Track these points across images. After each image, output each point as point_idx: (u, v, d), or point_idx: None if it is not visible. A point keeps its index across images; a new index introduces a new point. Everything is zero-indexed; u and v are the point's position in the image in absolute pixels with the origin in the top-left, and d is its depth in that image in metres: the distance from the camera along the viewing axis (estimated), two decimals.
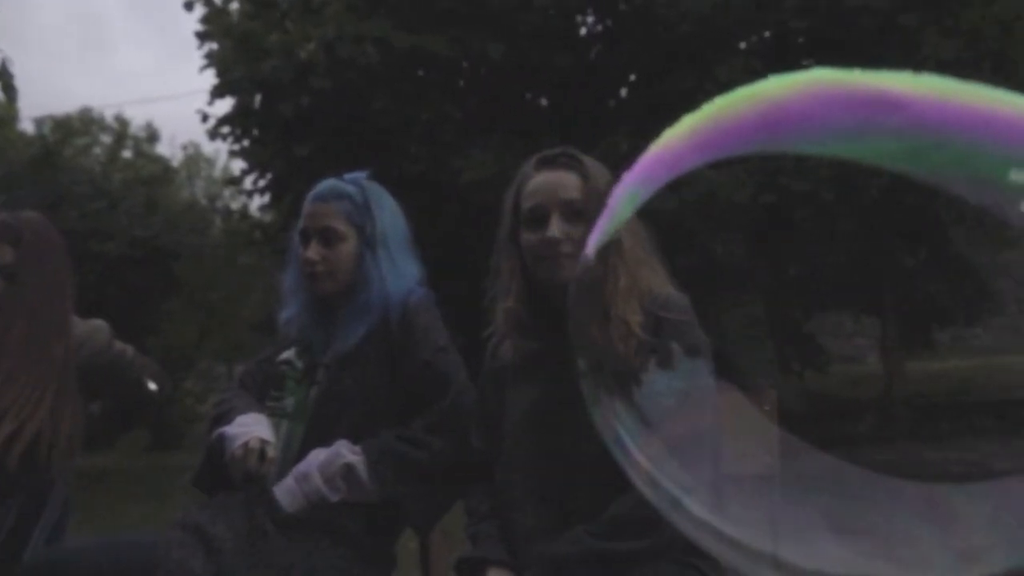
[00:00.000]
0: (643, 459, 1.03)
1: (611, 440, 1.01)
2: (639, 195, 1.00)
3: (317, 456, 1.54)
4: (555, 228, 1.37)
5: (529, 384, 1.42)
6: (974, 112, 0.72)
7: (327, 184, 1.70)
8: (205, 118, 8.31)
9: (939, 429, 8.76)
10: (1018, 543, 0.79)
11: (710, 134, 0.89)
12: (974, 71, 5.68)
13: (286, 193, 7.77)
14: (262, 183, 8.71)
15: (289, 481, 1.53)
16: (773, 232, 6.53)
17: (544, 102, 8.12)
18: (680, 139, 0.92)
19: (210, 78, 9.01)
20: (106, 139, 17.01)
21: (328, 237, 1.65)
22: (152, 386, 1.79)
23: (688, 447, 1.29)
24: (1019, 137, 0.72)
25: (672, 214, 5.89)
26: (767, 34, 6.80)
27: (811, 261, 7.93)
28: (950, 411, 9.33)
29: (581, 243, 1.39)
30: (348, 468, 1.51)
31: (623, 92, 8.00)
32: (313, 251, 1.64)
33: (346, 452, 1.52)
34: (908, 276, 9.02)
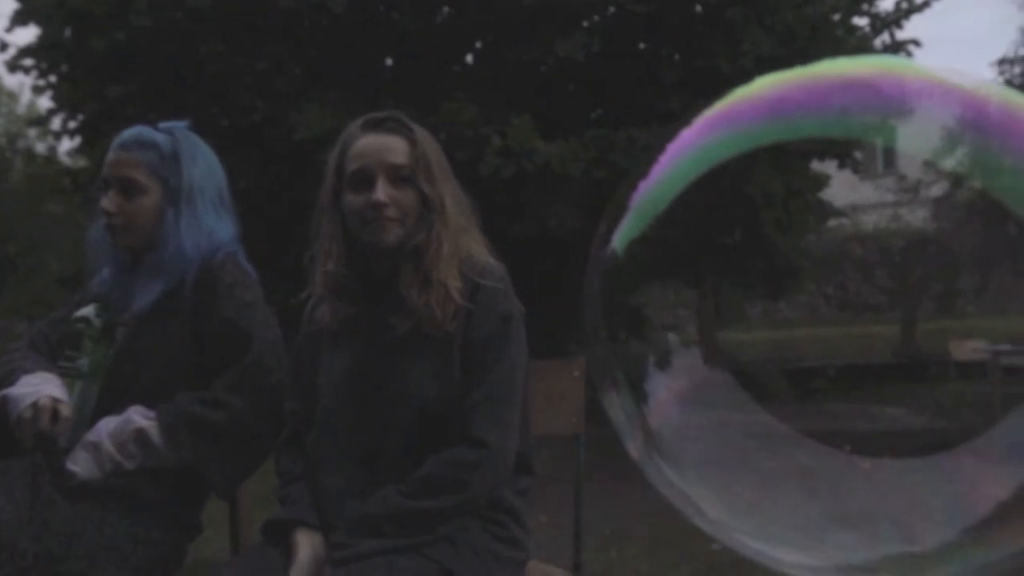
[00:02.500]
0: None
1: None
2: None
3: (108, 424, 1.46)
4: (381, 191, 1.37)
5: (345, 348, 1.42)
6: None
7: (134, 131, 1.59)
8: (4, 47, 7.45)
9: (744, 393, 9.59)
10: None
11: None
12: (785, 67, 6.16)
13: (99, 138, 7.13)
14: (72, 125, 7.93)
15: (80, 451, 1.44)
16: (604, 207, 6.81)
17: (388, 62, 7.95)
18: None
19: (10, 2, 8.07)
20: None
21: (128, 188, 1.55)
22: None
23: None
24: None
25: (509, 183, 6.00)
26: (610, 10, 7.01)
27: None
28: (754, 378, 10.24)
29: (406, 208, 1.40)
30: (140, 433, 1.44)
31: (469, 58, 7.98)
32: (110, 202, 1.54)
33: (137, 417, 1.45)
34: (724, 254, 9.73)
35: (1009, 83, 11.11)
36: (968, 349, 7.91)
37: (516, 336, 1.37)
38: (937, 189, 13.30)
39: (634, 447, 1.32)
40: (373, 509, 1.28)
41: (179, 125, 1.65)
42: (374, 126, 1.43)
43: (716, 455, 1.48)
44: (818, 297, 17.24)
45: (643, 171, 1.32)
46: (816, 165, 9.46)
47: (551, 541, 1.71)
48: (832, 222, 12.14)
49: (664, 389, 1.40)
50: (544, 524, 3.22)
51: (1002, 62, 13.54)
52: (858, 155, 9.46)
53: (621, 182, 1.38)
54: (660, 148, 1.30)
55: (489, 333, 1.34)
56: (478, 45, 7.78)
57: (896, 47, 7.61)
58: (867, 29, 7.70)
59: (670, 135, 1.30)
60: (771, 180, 7.30)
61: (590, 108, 7.65)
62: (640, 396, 1.37)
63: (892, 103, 1.27)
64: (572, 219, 6.53)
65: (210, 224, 1.58)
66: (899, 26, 7.71)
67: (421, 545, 1.27)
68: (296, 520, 1.33)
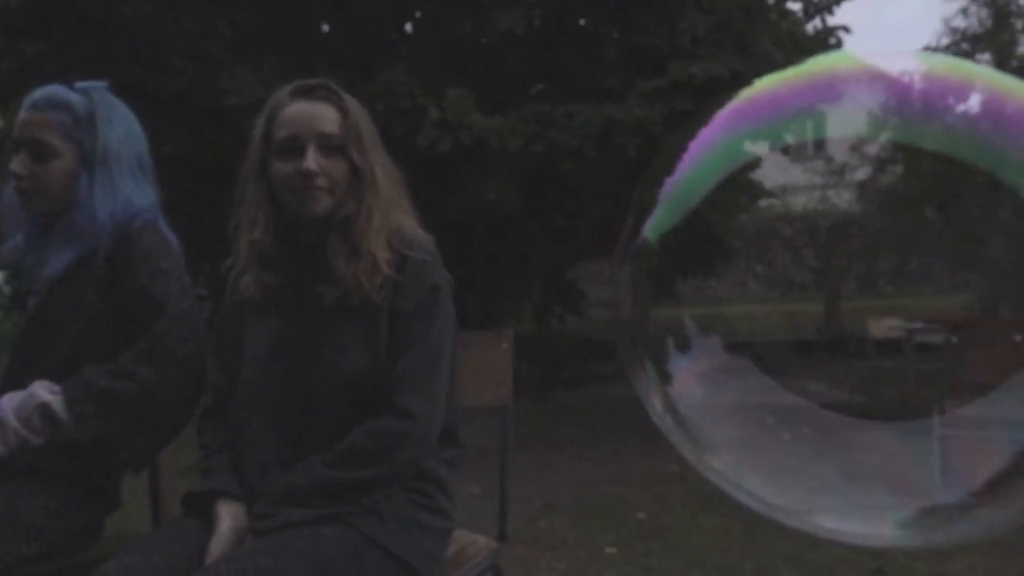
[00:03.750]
0: None
1: None
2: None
3: (11, 399, 1.40)
4: (311, 160, 1.35)
5: (270, 318, 1.40)
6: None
7: (47, 90, 1.52)
8: None
9: None
10: None
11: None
12: (719, 48, 6.25)
13: (14, 97, 6.77)
14: None
15: None
16: (542, 183, 6.82)
17: (324, 28, 7.75)
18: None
19: None
20: None
21: (39, 151, 1.48)
22: None
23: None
24: None
25: (446, 157, 5.95)
26: None
27: (575, 212, 8.42)
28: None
29: (336, 178, 1.39)
30: (44, 408, 1.39)
31: (407, 28, 7.85)
32: (20, 165, 1.47)
33: (41, 392, 1.40)
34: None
35: None
36: (885, 327, 8.26)
37: (444, 308, 1.37)
38: (861, 173, 13.78)
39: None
40: (297, 479, 1.27)
41: (97, 85, 1.59)
42: (304, 93, 1.40)
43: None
44: (748, 275, 17.73)
45: (669, 167, 1.43)
46: (748, 146, 9.66)
47: (482, 512, 1.74)
48: (763, 202, 12.47)
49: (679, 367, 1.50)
50: (476, 495, 3.26)
51: (926, 49, 14.03)
52: (788, 138, 9.69)
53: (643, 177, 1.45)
54: (683, 145, 1.41)
55: (417, 304, 1.34)
56: (417, 15, 7.65)
57: (827, 33, 7.81)
58: (800, 14, 7.87)
59: (691, 132, 1.40)
60: None
61: (530, 83, 7.63)
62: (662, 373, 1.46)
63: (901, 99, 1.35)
64: (511, 194, 6.53)
65: (127, 190, 1.52)
66: (831, 12, 7.91)
67: (346, 515, 1.27)
68: (218, 491, 1.32)
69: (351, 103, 1.42)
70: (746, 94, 1.46)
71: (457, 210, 6.38)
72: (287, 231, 1.40)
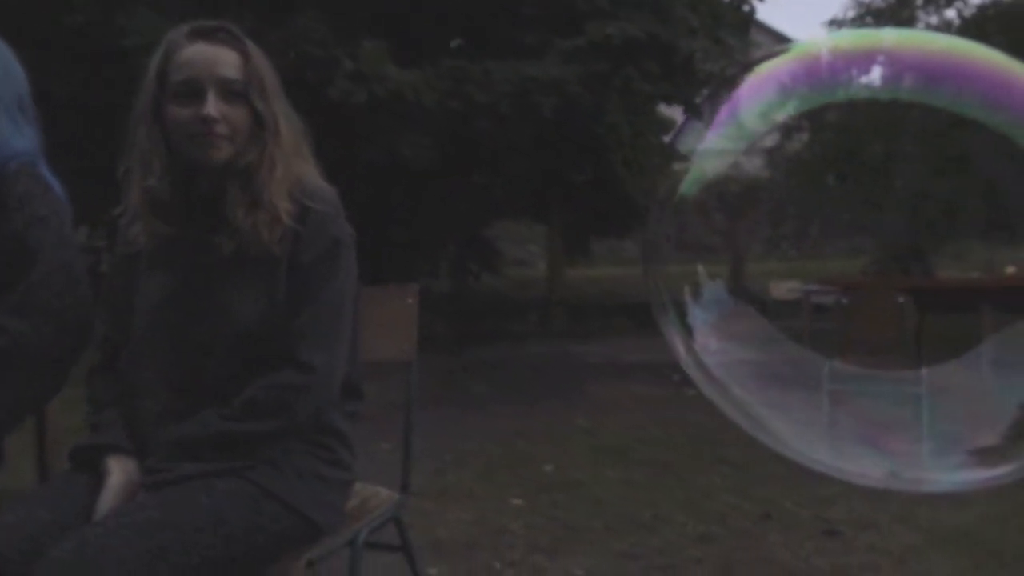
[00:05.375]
0: None
1: None
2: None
3: None
4: (212, 106, 1.29)
5: (164, 269, 1.36)
6: None
7: None
8: None
9: (587, 327, 10.05)
10: None
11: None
12: (637, 10, 6.29)
13: None
14: None
15: None
16: (459, 140, 6.77)
17: None
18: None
19: None
20: None
21: None
22: None
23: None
24: None
25: (360, 109, 5.82)
26: None
27: (493, 171, 8.41)
28: (597, 312, 10.74)
29: (237, 125, 1.34)
30: None
31: None
32: None
33: None
34: (574, 191, 10.00)
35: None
36: (785, 289, 8.65)
37: (345, 261, 1.36)
38: (770, 140, 14.21)
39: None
40: (192, 432, 1.25)
41: None
42: (203, 35, 1.34)
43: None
44: (661, 237, 18.15)
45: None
46: (665, 110, 9.83)
47: (391, 467, 1.75)
48: (677, 166, 12.73)
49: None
50: (386, 451, 3.27)
51: (832, 23, 14.47)
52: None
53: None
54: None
55: (317, 257, 1.32)
56: None
57: (738, 3, 7.96)
58: None
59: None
60: (619, 121, 7.52)
61: (448, 38, 7.51)
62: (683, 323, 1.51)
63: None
64: (426, 150, 6.46)
65: (4, 132, 1.42)
66: None
67: (242, 468, 1.25)
68: (107, 445, 1.28)
69: (252, 48, 1.37)
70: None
71: (371, 164, 6.27)
72: (183, 179, 1.34)
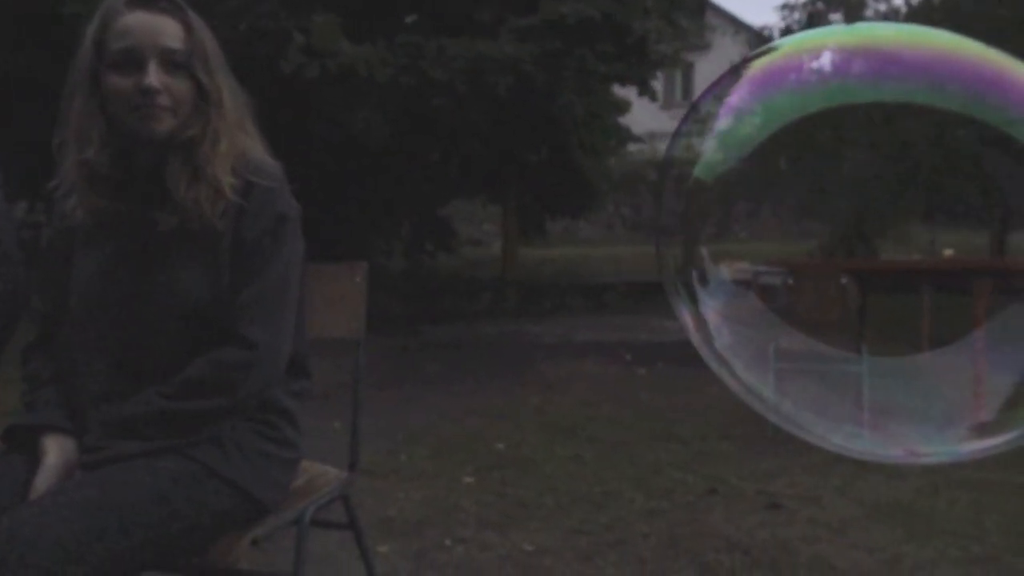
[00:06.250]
0: None
1: None
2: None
3: None
4: (153, 76, 1.26)
5: (102, 244, 1.32)
6: None
7: None
8: None
9: (540, 307, 10.10)
10: None
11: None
12: None
13: None
14: None
15: None
16: (413, 117, 6.70)
17: None
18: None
19: None
20: None
21: None
22: None
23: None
24: None
25: (311, 84, 5.72)
26: None
27: (447, 149, 8.35)
28: (551, 292, 10.79)
29: (180, 97, 1.31)
30: None
31: None
32: None
33: None
34: (529, 171, 10.00)
35: (789, 29, 12.10)
36: (735, 269, 8.79)
37: (291, 237, 1.34)
38: (723, 123, 14.38)
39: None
40: (132, 410, 1.23)
41: None
42: (144, 3, 1.30)
43: None
44: (615, 217, 18.29)
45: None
46: (619, 91, 9.86)
47: (343, 446, 1.75)
48: (632, 147, 12.82)
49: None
50: (338, 430, 3.26)
51: (784, 7, 14.67)
52: (656, 85, 9.96)
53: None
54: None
55: (262, 232, 1.30)
56: None
57: None
58: None
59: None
60: (573, 101, 7.51)
61: (402, 13, 7.40)
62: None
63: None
64: (380, 126, 6.38)
65: None
66: None
67: (184, 446, 1.24)
68: (43, 425, 1.25)
69: (195, 19, 1.33)
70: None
71: (323, 140, 6.18)
72: (122, 151, 1.31)
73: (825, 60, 1.55)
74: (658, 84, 10.72)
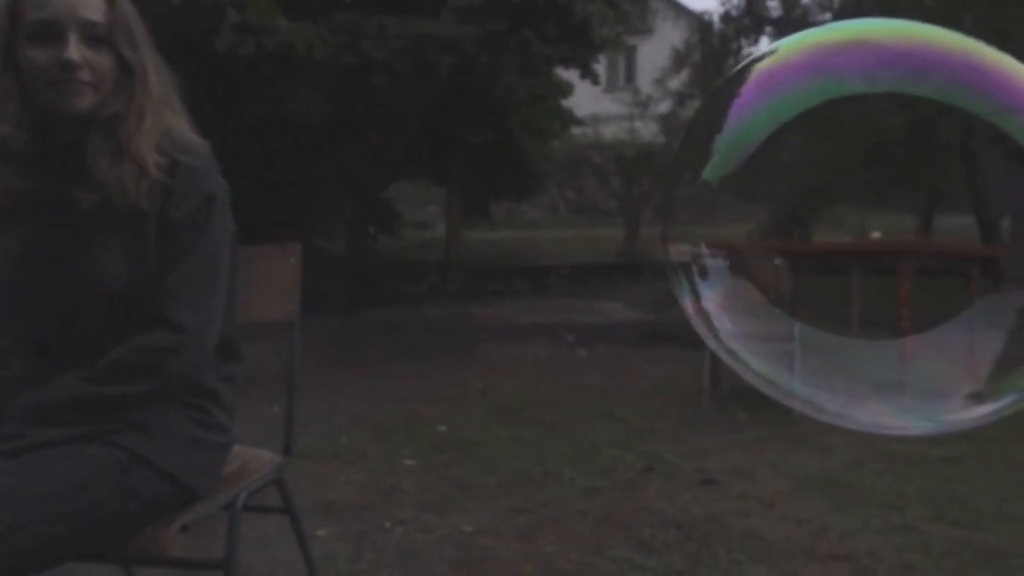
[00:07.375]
0: None
1: None
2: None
3: None
4: (74, 50, 1.21)
5: (18, 225, 1.27)
6: None
7: None
8: None
9: (484, 290, 10.11)
10: None
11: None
12: None
13: None
14: None
15: None
16: (354, 96, 6.59)
17: None
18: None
19: None
20: None
21: None
22: None
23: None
24: None
25: (247, 61, 5.58)
26: None
27: (389, 130, 8.24)
28: (494, 275, 10.80)
29: (102, 72, 1.26)
30: None
31: None
32: None
33: None
34: (473, 153, 9.95)
35: (728, 15, 12.24)
36: (676, 251, 8.92)
37: (219, 217, 1.30)
38: (664, 106, 14.56)
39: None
40: (53, 396, 1.19)
41: None
42: None
43: None
44: (559, 200, 18.37)
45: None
46: (562, 73, 9.87)
47: (280, 431, 1.72)
48: (576, 130, 12.88)
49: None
50: (275, 414, 3.21)
51: None
52: (599, 68, 10.00)
53: None
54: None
55: (188, 212, 1.26)
56: None
57: None
58: None
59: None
60: (516, 83, 7.50)
61: None
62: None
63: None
64: (318, 105, 6.26)
65: None
66: None
67: (108, 432, 1.21)
68: None
69: None
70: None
71: (259, 119, 6.03)
72: (39, 127, 1.26)
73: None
74: (600, 67, 10.77)
